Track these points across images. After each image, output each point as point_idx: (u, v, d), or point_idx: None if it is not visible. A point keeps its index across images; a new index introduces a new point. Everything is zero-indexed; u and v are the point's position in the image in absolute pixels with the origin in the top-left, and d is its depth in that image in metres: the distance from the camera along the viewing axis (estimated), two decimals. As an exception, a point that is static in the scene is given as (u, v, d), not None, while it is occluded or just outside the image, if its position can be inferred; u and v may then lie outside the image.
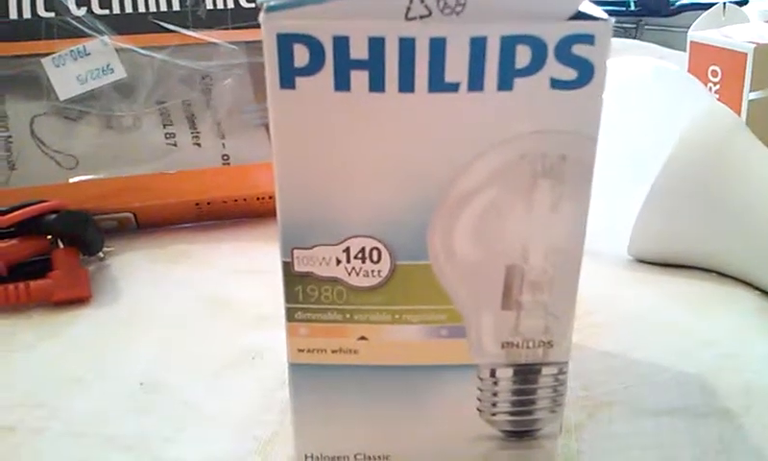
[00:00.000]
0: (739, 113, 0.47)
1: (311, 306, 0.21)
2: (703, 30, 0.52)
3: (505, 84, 0.19)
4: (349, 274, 0.21)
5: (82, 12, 0.41)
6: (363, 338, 0.22)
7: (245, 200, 0.43)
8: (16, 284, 0.34)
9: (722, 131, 0.36)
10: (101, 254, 0.39)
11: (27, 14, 0.41)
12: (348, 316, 0.21)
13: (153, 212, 0.42)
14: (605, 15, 0.18)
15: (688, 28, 0.53)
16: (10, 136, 0.40)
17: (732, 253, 0.36)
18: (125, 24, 0.42)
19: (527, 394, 0.23)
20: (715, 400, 0.28)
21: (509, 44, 0.18)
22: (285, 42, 0.18)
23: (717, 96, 0.48)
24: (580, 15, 0.18)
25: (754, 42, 0.46)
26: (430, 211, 0.20)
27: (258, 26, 0.18)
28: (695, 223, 0.36)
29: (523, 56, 0.18)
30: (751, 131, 0.37)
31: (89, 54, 0.41)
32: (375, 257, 0.21)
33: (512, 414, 0.23)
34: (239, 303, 0.35)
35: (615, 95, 0.37)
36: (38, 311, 0.35)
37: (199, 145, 0.42)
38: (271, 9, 0.18)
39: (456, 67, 0.18)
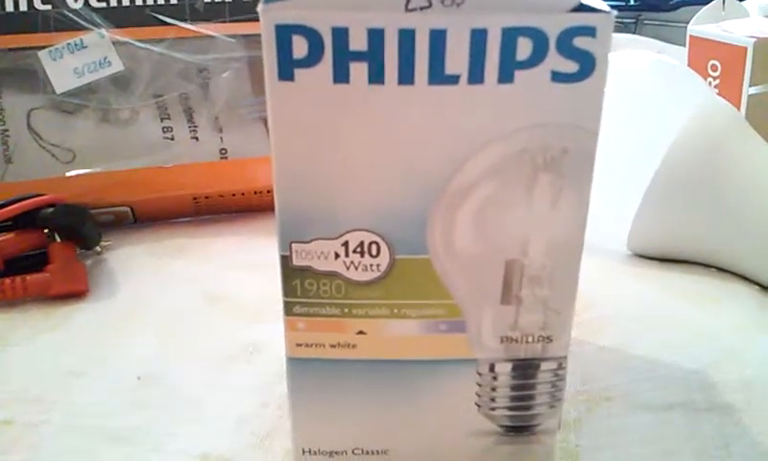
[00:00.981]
0: (739, 108, 0.47)
1: (309, 300, 0.21)
2: (702, 24, 0.51)
3: (506, 76, 0.18)
4: (348, 268, 0.21)
5: (79, 4, 0.41)
6: (361, 332, 0.22)
7: (243, 194, 0.42)
8: (13, 278, 0.34)
9: (721, 125, 0.36)
10: (98, 249, 0.39)
11: (23, 7, 0.41)
12: (346, 310, 0.21)
13: (150, 206, 0.42)
14: (606, 8, 0.18)
15: (688, 23, 0.53)
16: (6, 130, 0.40)
17: (731, 248, 0.35)
18: (122, 17, 0.42)
19: (526, 389, 0.23)
20: (715, 394, 0.28)
21: (510, 36, 0.18)
22: (284, 34, 0.18)
23: (717, 91, 0.48)
24: (581, 7, 0.18)
25: (753, 37, 0.46)
26: (430, 205, 0.20)
27: (257, 19, 0.18)
28: (694, 218, 0.35)
29: (524, 48, 0.18)
30: (750, 125, 0.37)
31: (86, 47, 0.41)
32: (374, 251, 0.21)
33: (511, 409, 0.23)
34: (237, 298, 0.35)
35: (615, 89, 0.37)
36: (35, 305, 0.35)
37: (196, 139, 0.42)
38: (269, 0, 0.18)
39: (456, 59, 0.18)
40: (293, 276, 0.21)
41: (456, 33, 0.18)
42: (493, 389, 0.22)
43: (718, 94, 0.44)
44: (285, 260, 0.21)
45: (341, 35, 0.18)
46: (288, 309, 0.21)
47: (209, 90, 0.42)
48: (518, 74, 0.18)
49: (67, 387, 0.29)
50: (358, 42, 0.18)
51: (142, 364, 0.30)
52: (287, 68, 0.18)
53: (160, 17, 0.42)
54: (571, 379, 0.29)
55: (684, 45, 0.52)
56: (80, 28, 0.41)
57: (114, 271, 0.38)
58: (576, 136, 0.19)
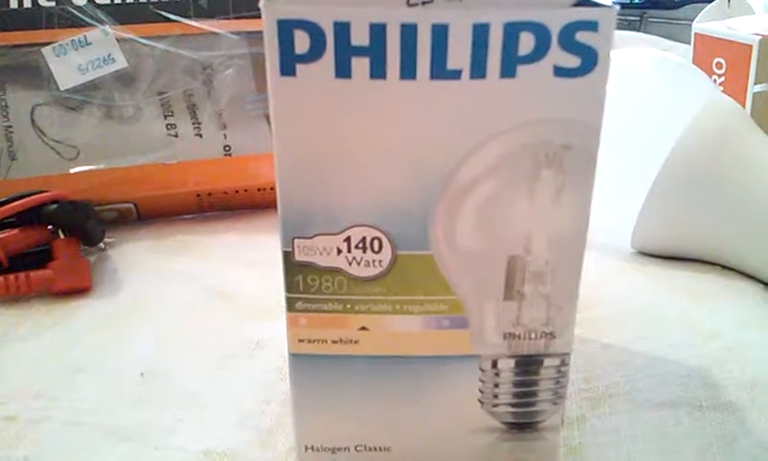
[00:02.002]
0: (744, 106, 0.46)
1: (312, 296, 0.21)
2: (707, 22, 0.51)
3: (508, 71, 0.18)
4: (350, 264, 0.21)
5: (83, 1, 0.41)
6: (364, 328, 0.22)
7: (246, 191, 0.42)
8: (17, 275, 0.34)
9: (726, 123, 0.35)
10: (102, 245, 0.39)
11: (27, 3, 0.41)
12: (348, 306, 0.21)
13: (154, 203, 0.42)
14: (609, 2, 0.18)
15: (693, 21, 0.53)
16: (10, 126, 0.40)
17: (735, 245, 0.35)
18: (126, 13, 0.42)
19: (529, 385, 0.22)
20: (718, 392, 0.28)
21: (512, 31, 0.18)
22: (286, 28, 0.18)
23: (722, 88, 0.48)
24: (584, 2, 0.18)
25: (759, 34, 0.45)
26: (432, 201, 0.20)
27: (260, 16, 0.18)
28: (699, 216, 0.35)
29: (526, 43, 0.18)
30: (755, 123, 0.37)
31: (90, 43, 0.41)
32: (376, 247, 0.20)
33: (513, 405, 0.23)
34: (240, 295, 0.35)
35: (619, 86, 0.37)
36: (39, 301, 0.35)
37: (200, 136, 0.42)
38: (271, -5, 0.18)
39: (458, 54, 0.18)
40: (295, 271, 0.21)
41: (458, 27, 0.18)
42: (496, 385, 0.22)
43: (723, 92, 0.44)
44: (287, 256, 0.21)
45: (343, 29, 0.18)
46: (290, 305, 0.21)
47: (213, 87, 0.42)
48: (521, 69, 0.18)
49: (70, 383, 0.29)
50: (360, 37, 0.18)
51: (145, 361, 0.30)
52: (289, 63, 0.18)
53: (164, 14, 0.42)
54: (574, 376, 0.29)
55: (689, 43, 0.51)
56: (84, 24, 0.41)
57: (118, 267, 0.38)
58: (578, 132, 0.19)
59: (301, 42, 0.18)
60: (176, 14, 0.42)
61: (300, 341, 0.22)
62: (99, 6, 0.41)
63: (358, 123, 0.19)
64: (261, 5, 0.18)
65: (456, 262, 0.21)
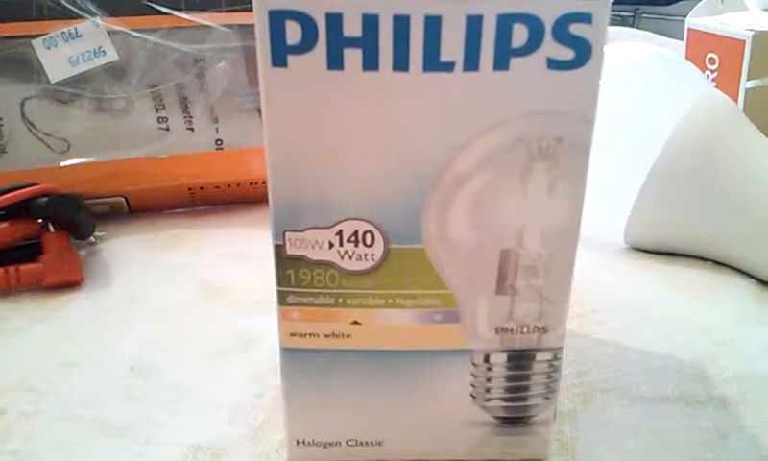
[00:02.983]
0: (736, 101, 0.46)
1: (303, 290, 0.21)
2: (701, 17, 0.51)
3: (501, 64, 0.18)
4: (342, 257, 0.21)
5: (73, -7, 0.41)
6: (356, 323, 0.21)
7: (238, 185, 0.42)
8: (6, 268, 0.34)
9: (719, 118, 0.35)
10: (92, 239, 0.39)
11: (17, -5, 0.41)
12: (340, 300, 0.21)
13: (145, 197, 0.41)
14: (603, -5, 0.18)
15: (686, 16, 0.53)
16: (0, 119, 0.40)
17: (728, 241, 0.35)
18: (117, 6, 0.41)
19: (521, 380, 0.22)
20: (711, 387, 0.28)
21: (505, 23, 0.18)
22: (277, 19, 0.18)
23: (715, 84, 0.48)
24: (578, -6, 0.18)
25: (752, 30, 0.46)
26: (424, 194, 0.20)
27: (252, 8, 0.18)
28: (692, 211, 0.35)
29: (520, 35, 0.18)
30: (748, 119, 0.37)
31: (81, 36, 0.41)
32: (369, 241, 0.20)
33: (506, 400, 0.23)
34: (232, 289, 0.35)
35: (613, 81, 0.37)
36: (29, 295, 0.34)
37: (192, 129, 0.42)
38: (262, -15, 0.18)
39: (451, 46, 0.18)
40: (287, 265, 0.21)
41: (451, 19, 0.18)
42: (488, 380, 0.22)
43: (716, 87, 0.44)
44: (279, 250, 0.21)
45: (335, 20, 0.18)
46: (282, 299, 0.21)
47: (205, 80, 0.42)
48: (514, 61, 0.18)
49: (60, 377, 0.28)
50: (352, 28, 0.18)
51: (135, 355, 0.30)
52: (280, 55, 0.18)
53: (156, 6, 0.42)
54: (567, 371, 0.29)
55: (682, 39, 0.51)
56: (74, 16, 0.41)
57: (108, 261, 0.37)
58: (571, 125, 0.19)
59: (293, 33, 0.18)
60: (167, 7, 0.42)
61: (292, 335, 0.22)
62: (90, -2, 0.41)
63: (350, 115, 0.19)
64: (252, -5, 0.18)
65: (448, 256, 0.20)
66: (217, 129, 0.42)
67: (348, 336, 0.22)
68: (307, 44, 0.18)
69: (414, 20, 0.18)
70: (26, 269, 0.34)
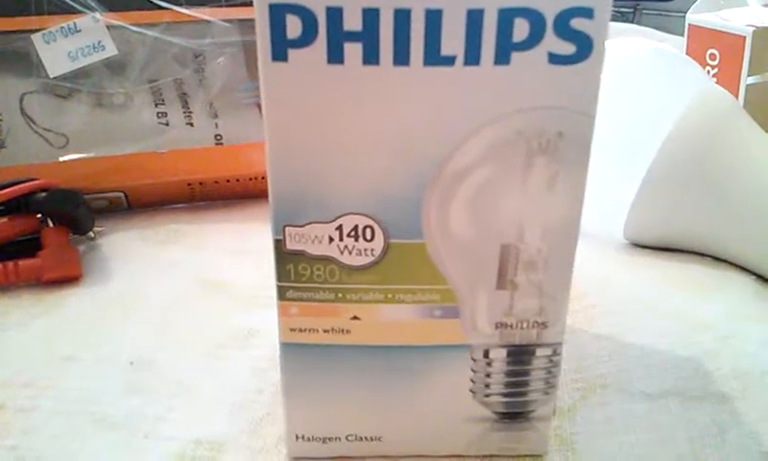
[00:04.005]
0: (737, 97, 0.46)
1: (303, 285, 0.21)
2: (701, 13, 0.51)
3: (502, 58, 0.18)
4: (342, 252, 0.21)
5: (72, -13, 0.41)
6: (355, 318, 0.21)
7: (237, 180, 0.42)
8: (5, 263, 0.34)
9: (719, 114, 0.35)
10: (91, 234, 0.39)
11: (16, -11, 0.40)
12: (340, 295, 0.21)
13: (144, 192, 0.41)
14: (604, -11, 0.18)
15: (686, 12, 0.53)
16: (-1, 114, 0.40)
17: (728, 237, 0.35)
18: (116, 0, 0.41)
19: (521, 375, 0.22)
20: (710, 383, 0.28)
21: (506, 17, 0.18)
22: (278, 13, 0.18)
23: (715, 80, 0.48)
24: (579, -12, 0.18)
25: (752, 25, 0.45)
26: (424, 188, 0.20)
27: (252, 3, 0.18)
28: (691, 207, 0.35)
29: (521, 29, 0.18)
30: (748, 115, 0.37)
31: (80, 30, 0.41)
32: (369, 236, 0.20)
33: (505, 395, 0.23)
34: (231, 284, 0.35)
35: (613, 77, 0.37)
36: (28, 291, 0.34)
37: (191, 124, 0.41)
38: (262, -22, 0.18)
39: (452, 40, 0.18)
40: (286, 260, 0.21)
41: (452, 13, 0.18)
42: (488, 375, 0.22)
43: (716, 83, 0.43)
44: (279, 244, 0.21)
45: (335, 14, 0.18)
46: (281, 294, 0.21)
47: (204, 75, 0.42)
48: (515, 56, 0.18)
49: (60, 372, 0.28)
50: (353, 22, 0.18)
51: (135, 350, 0.30)
52: (281, 49, 0.18)
53: (155, 1, 0.41)
54: (566, 367, 0.29)
55: (683, 34, 0.51)
56: (73, 11, 0.41)
57: (108, 257, 0.37)
58: (572, 120, 0.19)
59: (293, 27, 0.18)
60: (167, 2, 0.41)
61: (292, 330, 0.22)
62: (89, -8, 0.41)
63: (350, 109, 0.19)
64: (252, -11, 0.18)
65: (448, 251, 0.20)
66: (216, 124, 0.42)
67: (347, 331, 0.22)
68: (307, 38, 0.18)
69: (414, 14, 0.18)
70: (25, 264, 0.34)
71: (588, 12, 0.18)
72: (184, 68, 0.42)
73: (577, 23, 0.18)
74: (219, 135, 0.42)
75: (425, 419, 0.23)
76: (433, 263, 0.21)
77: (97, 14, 0.41)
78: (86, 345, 0.30)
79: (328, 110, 0.19)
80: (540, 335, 0.22)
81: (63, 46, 0.40)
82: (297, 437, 0.23)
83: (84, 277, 0.35)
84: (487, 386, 0.22)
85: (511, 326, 0.22)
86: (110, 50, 0.41)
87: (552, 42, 0.18)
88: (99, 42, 0.41)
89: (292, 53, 0.18)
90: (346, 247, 0.20)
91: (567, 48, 0.18)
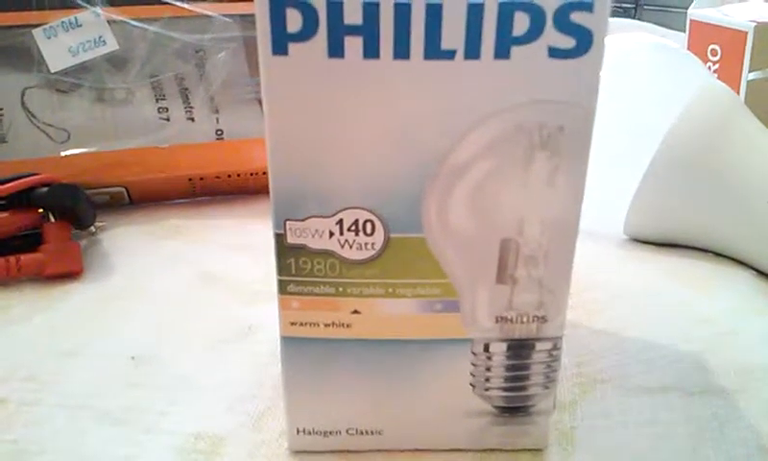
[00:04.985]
0: (738, 93, 0.46)
1: (304, 279, 0.21)
2: (703, 9, 0.51)
3: (502, 52, 0.18)
4: (343, 246, 0.21)
5: (73, -18, 0.41)
6: (356, 312, 0.21)
7: (238, 175, 0.42)
8: (7, 258, 0.34)
9: (721, 109, 0.35)
10: (93, 229, 0.39)
11: (17, -16, 0.40)
12: (340, 289, 0.21)
13: (145, 187, 0.41)
14: (605, -17, 0.18)
15: (687, 8, 0.53)
16: (0, 109, 0.40)
17: (728, 232, 0.35)
18: (117, -5, 0.41)
19: (521, 369, 0.22)
20: (710, 378, 0.28)
21: (506, 11, 0.18)
22: (278, 6, 0.18)
23: (716, 75, 0.48)
24: (579, -18, 0.18)
25: (754, 21, 0.45)
26: (425, 182, 0.20)
27: (252, -2, 0.18)
28: (692, 202, 0.35)
29: (521, 23, 0.18)
30: (749, 110, 0.37)
31: (81, 25, 0.41)
32: (369, 230, 0.20)
33: (505, 390, 0.23)
34: (232, 279, 0.35)
35: (615, 72, 0.36)
36: (30, 285, 0.34)
37: (192, 119, 0.42)
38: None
39: (452, 34, 0.18)
40: (287, 254, 0.21)
41: (452, 7, 0.18)
42: (488, 369, 0.22)
43: (718, 79, 0.43)
44: (279, 238, 0.21)
45: (336, 8, 0.18)
46: (282, 288, 0.21)
47: (205, 71, 0.42)
48: (515, 50, 0.18)
49: (61, 367, 0.28)
50: (353, 16, 0.18)
51: (136, 344, 0.30)
52: (281, 42, 0.18)
53: (156, -4, 0.41)
54: (566, 361, 0.29)
55: (684, 30, 0.51)
56: (75, 6, 0.41)
57: (109, 251, 0.38)
58: (572, 114, 0.19)
59: (294, 21, 0.18)
60: (168, -4, 0.42)
61: (292, 324, 0.22)
62: (90, -13, 0.41)
63: (351, 103, 0.19)
64: (253, -17, 0.18)
65: (449, 245, 0.20)
66: (217, 119, 0.42)
67: (348, 325, 0.22)
68: (308, 32, 0.18)
69: (415, 8, 0.18)
70: (27, 259, 0.34)
71: (587, 6, 0.18)
72: (185, 63, 0.42)
73: (577, 17, 0.18)
74: (220, 130, 0.42)
75: (426, 413, 0.23)
76: (433, 257, 0.21)
77: (98, 9, 0.41)
78: (88, 339, 0.30)
79: (329, 104, 0.19)
80: (539, 329, 0.22)
81: (64, 41, 0.40)
82: (298, 431, 0.23)
83: (85, 271, 0.35)
84: (487, 380, 0.22)
85: (511, 320, 0.22)
86: (111, 45, 0.41)
87: (552, 36, 0.18)
88: (100, 37, 0.41)
89: (292, 47, 0.18)
90: (346, 241, 0.21)
91: (567, 42, 0.18)
